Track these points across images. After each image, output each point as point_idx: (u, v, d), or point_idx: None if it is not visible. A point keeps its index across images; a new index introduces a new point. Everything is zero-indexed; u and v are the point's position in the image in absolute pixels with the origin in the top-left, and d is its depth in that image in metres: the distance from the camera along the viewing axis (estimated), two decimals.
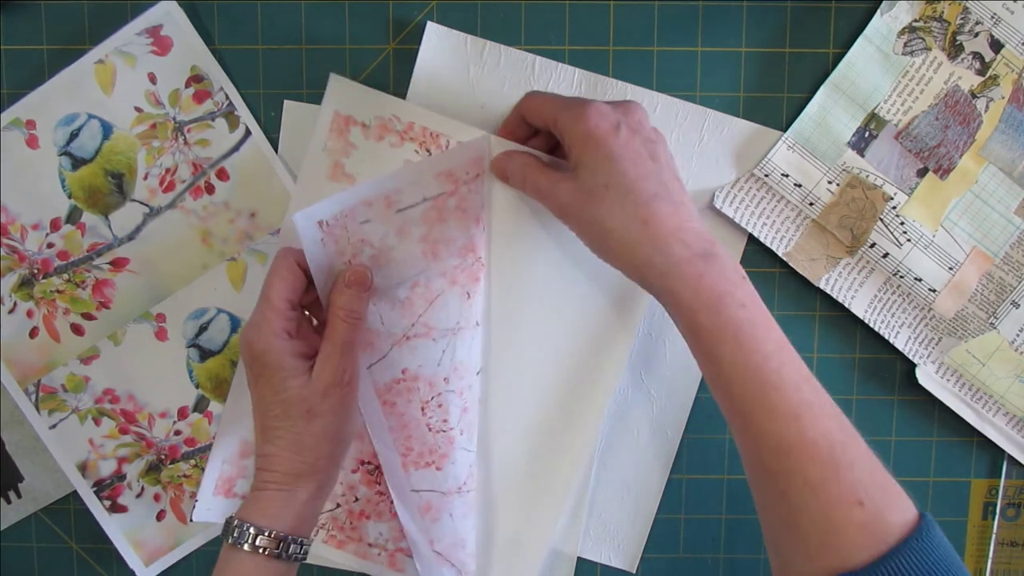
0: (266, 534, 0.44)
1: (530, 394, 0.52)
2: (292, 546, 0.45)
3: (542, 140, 0.50)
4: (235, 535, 0.44)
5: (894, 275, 0.54)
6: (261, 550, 0.44)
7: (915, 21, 0.52)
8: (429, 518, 0.51)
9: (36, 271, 0.54)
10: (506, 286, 0.51)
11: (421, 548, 0.52)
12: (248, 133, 0.53)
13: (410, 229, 0.50)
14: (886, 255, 0.54)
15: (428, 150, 0.51)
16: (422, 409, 0.51)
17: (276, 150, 0.54)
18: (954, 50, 0.52)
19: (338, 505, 0.54)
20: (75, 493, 0.55)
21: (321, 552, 0.54)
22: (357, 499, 0.54)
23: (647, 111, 0.46)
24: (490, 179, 0.51)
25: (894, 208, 0.53)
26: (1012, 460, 0.56)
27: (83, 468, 0.55)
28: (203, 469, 0.54)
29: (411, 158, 0.51)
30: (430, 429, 0.51)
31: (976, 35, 0.52)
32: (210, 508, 0.53)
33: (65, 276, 0.54)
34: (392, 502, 0.53)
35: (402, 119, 0.51)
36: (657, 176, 0.43)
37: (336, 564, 0.54)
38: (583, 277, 0.52)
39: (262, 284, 0.47)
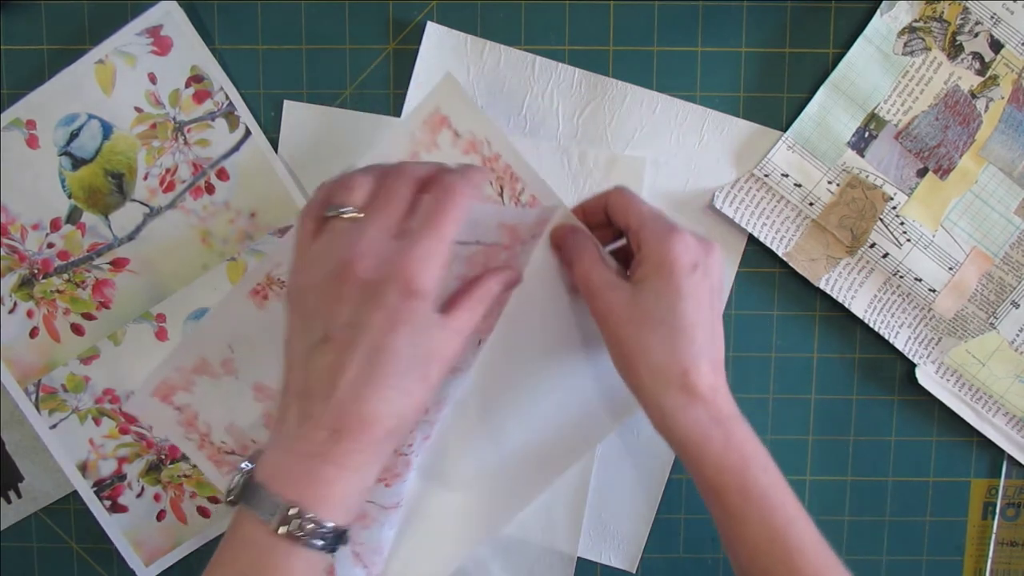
0: (335, 530, 0.37)
1: (493, 439, 0.52)
2: (346, 537, 0.39)
3: (607, 235, 0.47)
4: (300, 530, 0.37)
5: (894, 275, 0.54)
6: (327, 546, 0.37)
7: (915, 21, 0.52)
8: (361, 525, 0.51)
9: (36, 271, 0.54)
10: (510, 339, 0.50)
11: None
12: (248, 133, 0.53)
13: (451, 264, 0.49)
14: (886, 255, 0.54)
15: (502, 187, 0.50)
16: None
17: (276, 150, 0.54)
18: (954, 50, 0.52)
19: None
20: (75, 493, 0.55)
21: (187, 450, 0.53)
22: (253, 441, 0.53)
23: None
24: (541, 244, 0.49)
25: (894, 208, 0.53)
26: (1012, 460, 0.56)
27: (83, 468, 0.55)
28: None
29: (484, 187, 0.50)
30: (395, 451, 0.50)
31: (976, 35, 0.52)
32: (142, 405, 0.52)
33: (65, 276, 0.54)
34: None
35: (492, 147, 0.49)
36: (711, 327, 0.43)
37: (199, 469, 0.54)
38: (586, 366, 0.51)
39: (427, 212, 0.39)
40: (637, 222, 0.44)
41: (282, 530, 0.36)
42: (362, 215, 0.39)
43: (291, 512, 0.36)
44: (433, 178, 0.40)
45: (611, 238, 0.47)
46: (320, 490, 0.37)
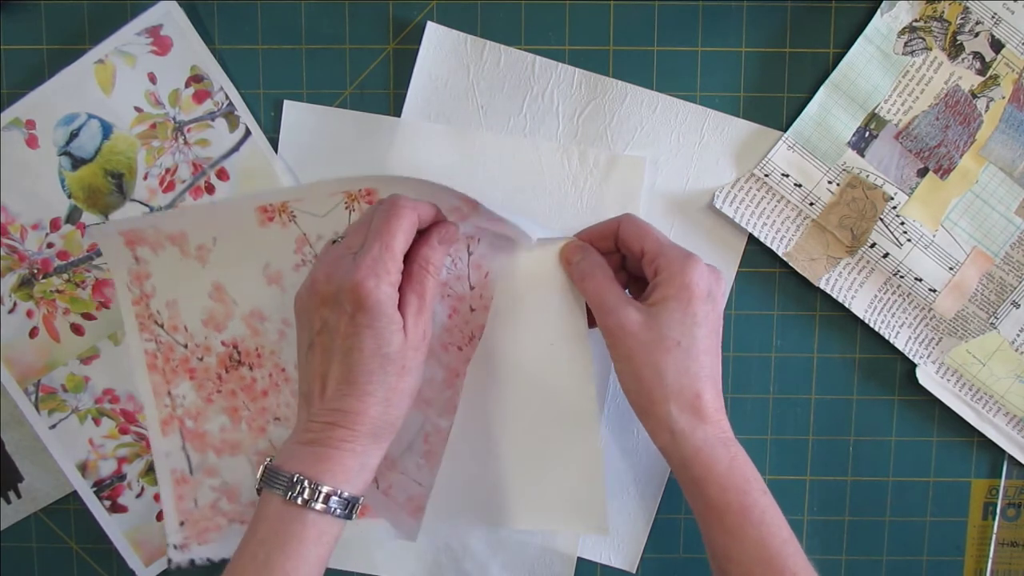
0: (339, 494, 0.43)
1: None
2: (357, 506, 0.44)
3: (611, 262, 0.49)
4: (304, 495, 0.42)
5: (894, 275, 0.54)
6: (333, 511, 0.42)
7: (915, 21, 0.52)
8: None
9: (36, 271, 0.54)
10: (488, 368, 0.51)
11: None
12: (248, 133, 0.53)
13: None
14: (886, 255, 0.54)
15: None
16: None
17: (276, 150, 0.54)
18: (954, 50, 0.52)
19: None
20: (75, 493, 0.55)
21: (121, 299, 0.53)
22: (186, 328, 0.53)
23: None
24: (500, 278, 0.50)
25: (894, 208, 0.53)
26: (1012, 460, 0.56)
27: (83, 468, 0.55)
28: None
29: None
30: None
31: (976, 35, 0.52)
32: (105, 235, 0.52)
33: (65, 276, 0.54)
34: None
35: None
36: (716, 354, 0.46)
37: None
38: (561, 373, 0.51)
39: (373, 228, 0.44)
40: (655, 248, 0.46)
41: (291, 497, 0.42)
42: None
43: (295, 480, 0.42)
44: (384, 200, 0.45)
45: (614, 265, 0.49)
46: (321, 465, 0.43)
